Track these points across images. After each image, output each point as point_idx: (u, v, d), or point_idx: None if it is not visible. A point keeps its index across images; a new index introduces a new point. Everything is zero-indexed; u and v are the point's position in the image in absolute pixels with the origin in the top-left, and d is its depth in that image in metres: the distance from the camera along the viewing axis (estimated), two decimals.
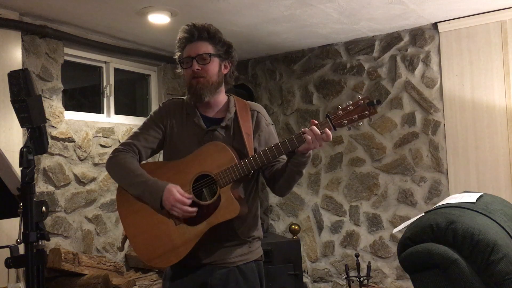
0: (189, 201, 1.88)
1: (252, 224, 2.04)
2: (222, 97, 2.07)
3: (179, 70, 2.10)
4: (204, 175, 1.93)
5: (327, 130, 1.81)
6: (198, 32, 1.99)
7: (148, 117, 2.12)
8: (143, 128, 2.09)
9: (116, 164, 2.01)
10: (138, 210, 1.97)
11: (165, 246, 1.92)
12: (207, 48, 1.99)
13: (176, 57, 2.08)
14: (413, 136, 4.23)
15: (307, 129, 1.84)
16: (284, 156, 1.98)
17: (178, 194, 1.87)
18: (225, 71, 2.04)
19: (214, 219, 1.89)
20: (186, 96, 2.13)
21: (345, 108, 1.82)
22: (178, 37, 2.04)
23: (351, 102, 1.83)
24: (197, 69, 1.97)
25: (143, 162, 2.09)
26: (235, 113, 2.03)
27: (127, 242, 2.04)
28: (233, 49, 2.06)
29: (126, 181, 1.98)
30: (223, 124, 2.01)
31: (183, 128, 2.05)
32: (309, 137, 1.81)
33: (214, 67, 2.00)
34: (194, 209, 1.89)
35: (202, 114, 2.05)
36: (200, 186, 1.94)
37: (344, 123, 1.82)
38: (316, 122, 1.85)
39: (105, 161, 3.99)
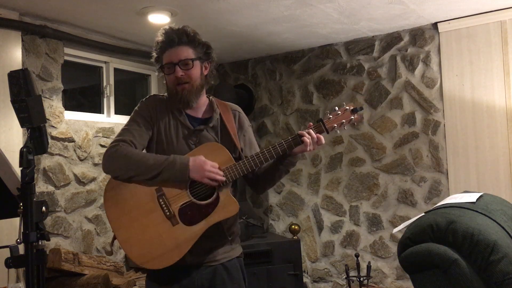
0: (217, 165, 1.90)
1: (234, 223, 2.08)
2: (204, 98, 2.10)
3: (157, 73, 2.10)
4: None
5: (321, 136, 1.97)
6: (178, 37, 1.99)
7: (134, 113, 2.06)
8: (135, 124, 2.02)
9: (120, 154, 1.92)
10: (130, 211, 1.93)
11: (162, 247, 1.89)
12: (188, 52, 1.99)
13: (153, 59, 2.07)
14: (413, 136, 4.23)
15: (304, 132, 1.93)
16: None
17: (208, 160, 1.89)
18: (206, 72, 2.06)
19: (214, 218, 1.91)
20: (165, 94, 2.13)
21: (335, 114, 1.99)
22: (156, 40, 2.03)
23: (337, 108, 2.01)
24: (181, 75, 1.97)
25: None
26: (219, 113, 2.07)
27: (116, 244, 2.01)
28: (211, 49, 2.07)
29: (140, 166, 1.90)
30: (211, 124, 2.03)
31: (170, 127, 2.03)
32: (308, 141, 1.92)
33: (197, 71, 2.01)
34: (222, 174, 1.90)
35: (188, 114, 2.06)
36: (198, 186, 1.93)
37: (334, 127, 1.99)
38: (313, 125, 1.97)
39: None
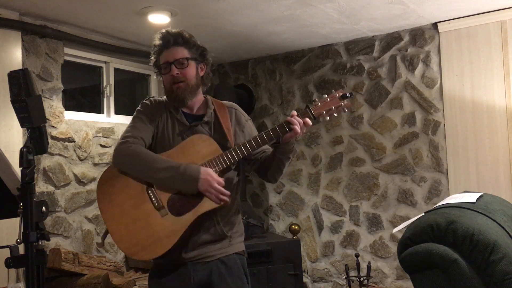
0: (223, 183, 1.93)
1: (233, 220, 2.09)
2: (200, 97, 2.15)
3: (155, 77, 2.15)
4: None
5: (307, 119, 1.96)
6: (173, 38, 2.06)
7: (137, 112, 2.12)
8: (140, 121, 2.08)
9: (133, 152, 1.98)
10: (121, 203, 1.97)
11: (150, 238, 1.92)
12: (183, 52, 2.05)
13: (151, 63, 2.14)
14: (413, 136, 4.23)
15: (292, 119, 1.95)
16: (269, 147, 2.11)
17: (216, 175, 1.92)
18: (201, 73, 2.12)
19: (201, 208, 1.92)
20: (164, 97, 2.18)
21: (323, 100, 2.00)
22: (153, 44, 2.10)
23: (326, 95, 2.02)
24: (177, 74, 2.03)
25: None
26: (214, 110, 2.12)
27: (108, 238, 2.03)
28: (207, 51, 2.13)
29: (150, 166, 1.94)
30: (205, 119, 2.09)
31: (168, 126, 2.09)
32: (297, 128, 1.93)
33: (192, 70, 2.07)
34: (228, 192, 1.93)
35: (184, 112, 2.11)
36: None
37: (322, 113, 1.99)
38: (297, 112, 1.98)
39: (105, 161, 4.05)
